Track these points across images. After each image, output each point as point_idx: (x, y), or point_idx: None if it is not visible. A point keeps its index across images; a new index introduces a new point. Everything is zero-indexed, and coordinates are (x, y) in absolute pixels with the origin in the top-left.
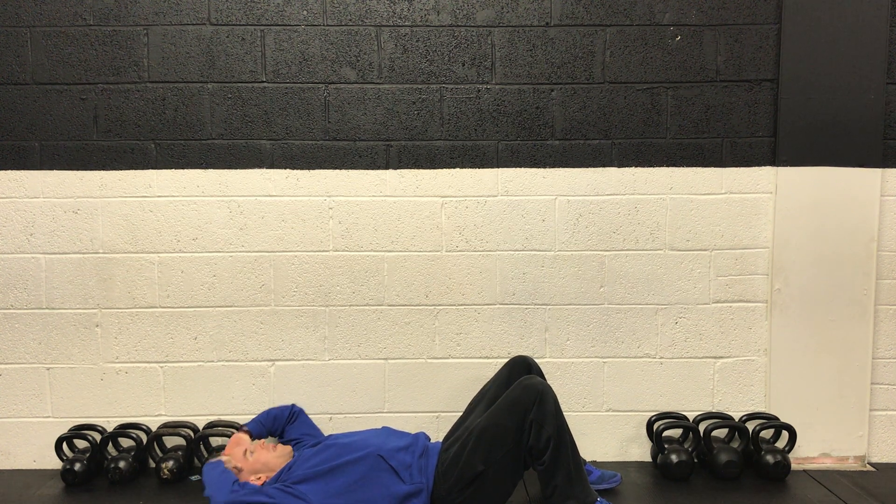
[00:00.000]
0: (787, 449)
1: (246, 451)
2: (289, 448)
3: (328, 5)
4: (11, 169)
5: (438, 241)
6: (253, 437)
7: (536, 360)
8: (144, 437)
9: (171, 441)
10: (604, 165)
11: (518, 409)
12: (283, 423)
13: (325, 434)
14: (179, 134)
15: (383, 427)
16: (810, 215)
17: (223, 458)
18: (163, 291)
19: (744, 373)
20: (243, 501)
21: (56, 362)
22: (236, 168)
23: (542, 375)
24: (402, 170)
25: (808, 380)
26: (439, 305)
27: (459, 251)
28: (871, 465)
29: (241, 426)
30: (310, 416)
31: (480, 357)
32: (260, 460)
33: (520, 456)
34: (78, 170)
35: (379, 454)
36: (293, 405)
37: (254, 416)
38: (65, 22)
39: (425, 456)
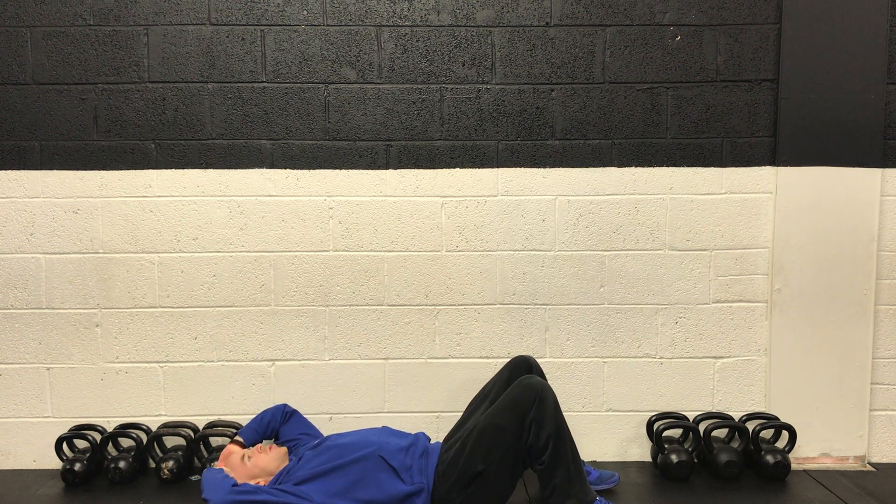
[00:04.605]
0: (787, 449)
1: (244, 456)
2: (284, 450)
3: (328, 5)
4: (11, 169)
5: (438, 241)
6: (246, 445)
7: (536, 360)
8: (144, 437)
9: (171, 441)
10: (604, 165)
11: (518, 408)
12: (277, 426)
13: (323, 432)
14: (179, 134)
15: (383, 427)
16: (810, 215)
17: (222, 466)
18: (163, 291)
19: (744, 373)
20: (243, 501)
21: (56, 362)
22: (236, 168)
23: (542, 376)
24: (402, 170)
25: (808, 380)
26: (439, 305)
27: (459, 251)
28: (871, 465)
29: (234, 435)
30: (310, 417)
31: (480, 357)
32: (258, 465)
33: (519, 455)
34: (78, 170)
35: (380, 454)
36: (285, 405)
37: (252, 417)
38: (65, 22)
39: (425, 456)
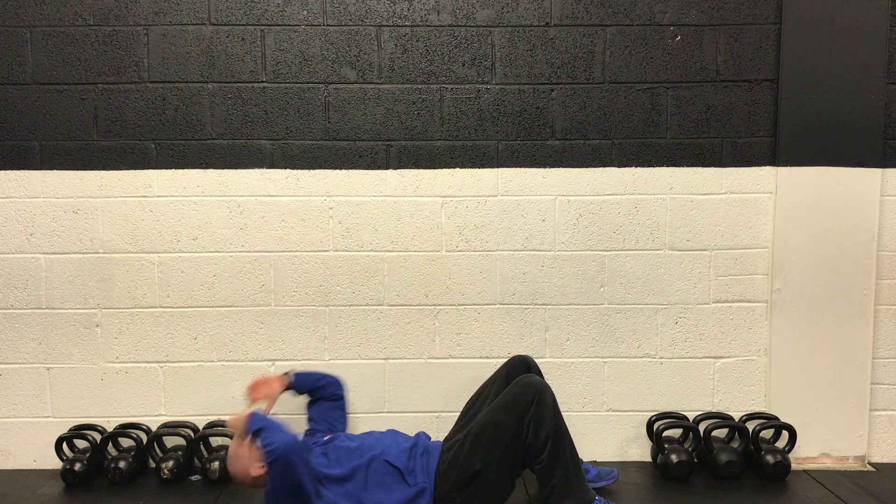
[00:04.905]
0: (787, 449)
1: None
2: None
3: (328, 5)
4: (11, 169)
5: (438, 241)
6: (290, 387)
7: (536, 360)
8: (144, 437)
9: (171, 441)
10: (604, 165)
11: (516, 407)
12: (321, 395)
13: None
14: (179, 134)
15: (389, 430)
16: (810, 215)
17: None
18: (163, 291)
19: (744, 373)
20: (304, 458)
21: (56, 362)
22: (236, 168)
23: (540, 375)
24: (402, 170)
25: (808, 380)
26: (439, 305)
27: (459, 251)
28: (871, 465)
29: (288, 372)
30: None
31: (480, 357)
32: None
33: (518, 455)
34: (78, 170)
35: (384, 458)
36: (342, 389)
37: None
38: (65, 22)
39: (426, 455)
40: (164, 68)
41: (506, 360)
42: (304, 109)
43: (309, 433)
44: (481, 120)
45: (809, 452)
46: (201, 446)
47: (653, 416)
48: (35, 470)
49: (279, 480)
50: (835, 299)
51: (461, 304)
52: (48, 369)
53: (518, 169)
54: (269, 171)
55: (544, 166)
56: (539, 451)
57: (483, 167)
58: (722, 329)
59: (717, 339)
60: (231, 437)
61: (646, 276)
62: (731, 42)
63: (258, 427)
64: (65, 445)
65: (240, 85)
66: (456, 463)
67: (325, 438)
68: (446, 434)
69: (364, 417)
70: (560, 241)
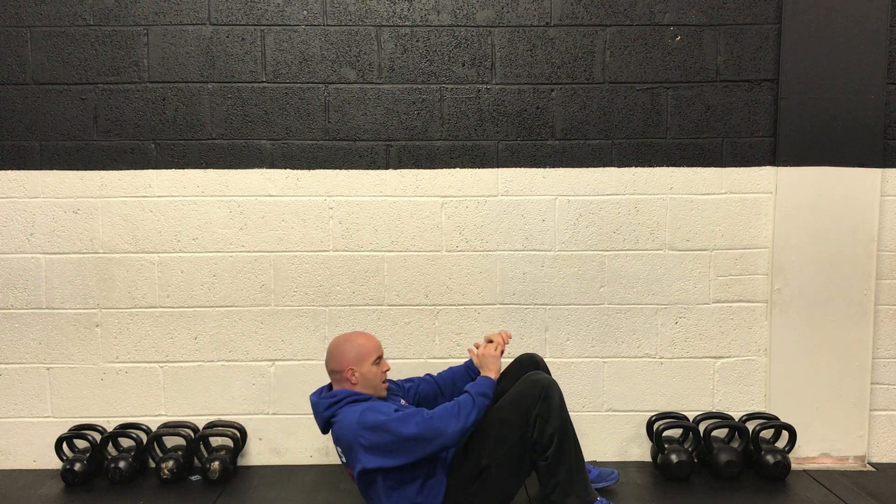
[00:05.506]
0: (787, 449)
1: (380, 357)
2: (384, 393)
3: (328, 5)
4: (11, 169)
5: (438, 241)
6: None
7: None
8: (144, 437)
9: (171, 441)
10: (604, 165)
11: (523, 403)
12: (445, 390)
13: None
14: (179, 134)
15: None
16: (810, 215)
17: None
18: (163, 291)
19: (744, 373)
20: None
21: (56, 362)
22: (236, 168)
23: (548, 373)
24: (402, 170)
25: (808, 380)
26: (439, 305)
27: (459, 251)
28: (871, 465)
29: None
30: (309, 417)
31: None
32: (374, 373)
33: (525, 451)
34: (78, 170)
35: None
36: (433, 394)
37: (255, 413)
38: (65, 22)
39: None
40: (164, 68)
41: (506, 360)
42: (304, 109)
43: (391, 390)
44: (481, 120)
45: (809, 452)
46: (201, 446)
47: (653, 416)
48: (35, 470)
49: (424, 435)
50: (835, 299)
51: (461, 304)
52: (48, 369)
53: (518, 169)
54: (269, 171)
55: (544, 166)
56: (545, 448)
57: (483, 167)
58: (722, 329)
59: (717, 339)
60: (230, 437)
61: (646, 276)
62: (731, 42)
63: (484, 393)
64: (65, 445)
65: (240, 85)
66: (464, 459)
67: (402, 403)
68: None
69: None
70: (560, 241)
